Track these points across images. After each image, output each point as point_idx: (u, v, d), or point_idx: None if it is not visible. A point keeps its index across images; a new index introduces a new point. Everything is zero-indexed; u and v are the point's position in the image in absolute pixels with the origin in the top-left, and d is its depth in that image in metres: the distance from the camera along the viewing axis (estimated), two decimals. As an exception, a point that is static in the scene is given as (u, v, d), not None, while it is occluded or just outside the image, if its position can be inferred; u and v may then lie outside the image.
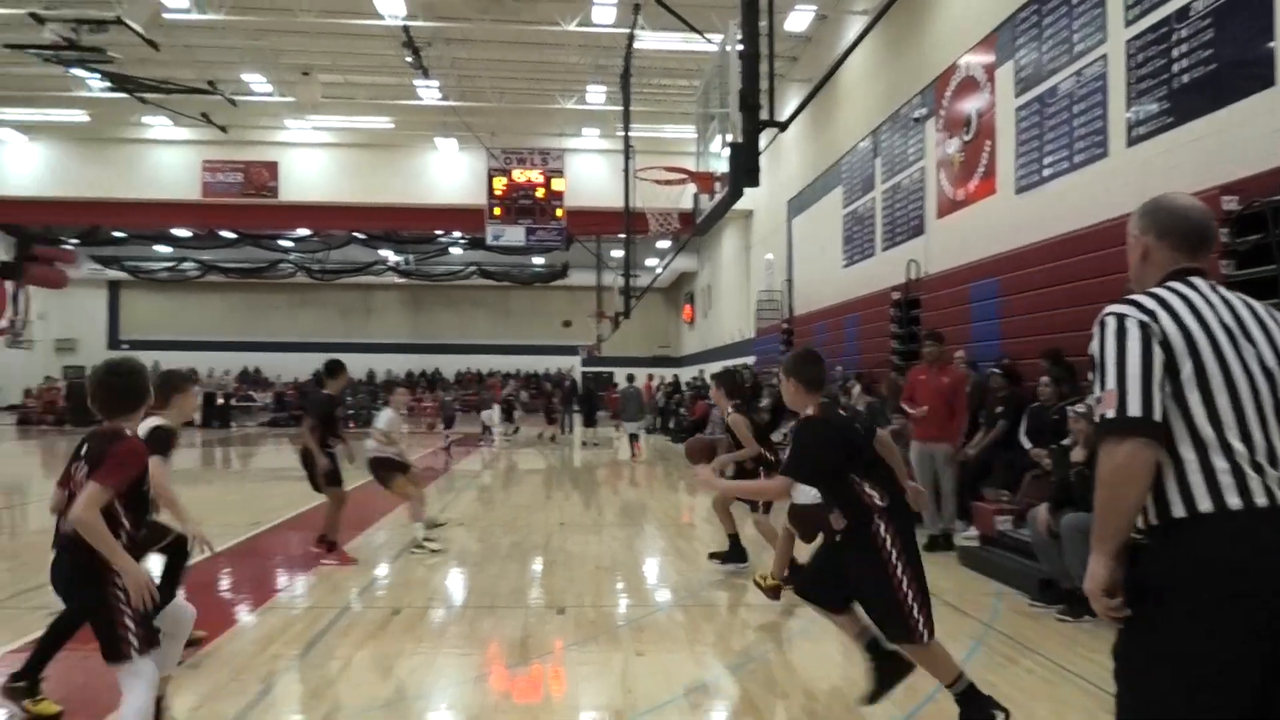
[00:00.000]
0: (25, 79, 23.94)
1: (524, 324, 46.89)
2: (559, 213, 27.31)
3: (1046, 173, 10.54)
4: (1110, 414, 2.18)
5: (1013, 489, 8.31)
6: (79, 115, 26.76)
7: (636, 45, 18.36)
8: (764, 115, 7.40)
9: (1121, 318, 2.24)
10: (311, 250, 41.29)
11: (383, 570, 7.86)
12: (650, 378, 35.63)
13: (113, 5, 18.37)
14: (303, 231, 37.42)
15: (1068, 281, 9.43)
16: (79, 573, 3.57)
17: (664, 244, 33.54)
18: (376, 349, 45.79)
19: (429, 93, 23.94)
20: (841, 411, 4.34)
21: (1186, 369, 2.17)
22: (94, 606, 3.54)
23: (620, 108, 20.20)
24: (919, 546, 4.01)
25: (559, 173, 27.31)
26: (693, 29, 12.74)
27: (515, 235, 27.38)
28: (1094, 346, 2.27)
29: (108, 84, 22.54)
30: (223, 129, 26.74)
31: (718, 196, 8.85)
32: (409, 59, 20.96)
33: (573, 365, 44.20)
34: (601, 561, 8.12)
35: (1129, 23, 8.91)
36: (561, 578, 7.58)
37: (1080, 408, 6.95)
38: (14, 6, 18.71)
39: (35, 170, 28.76)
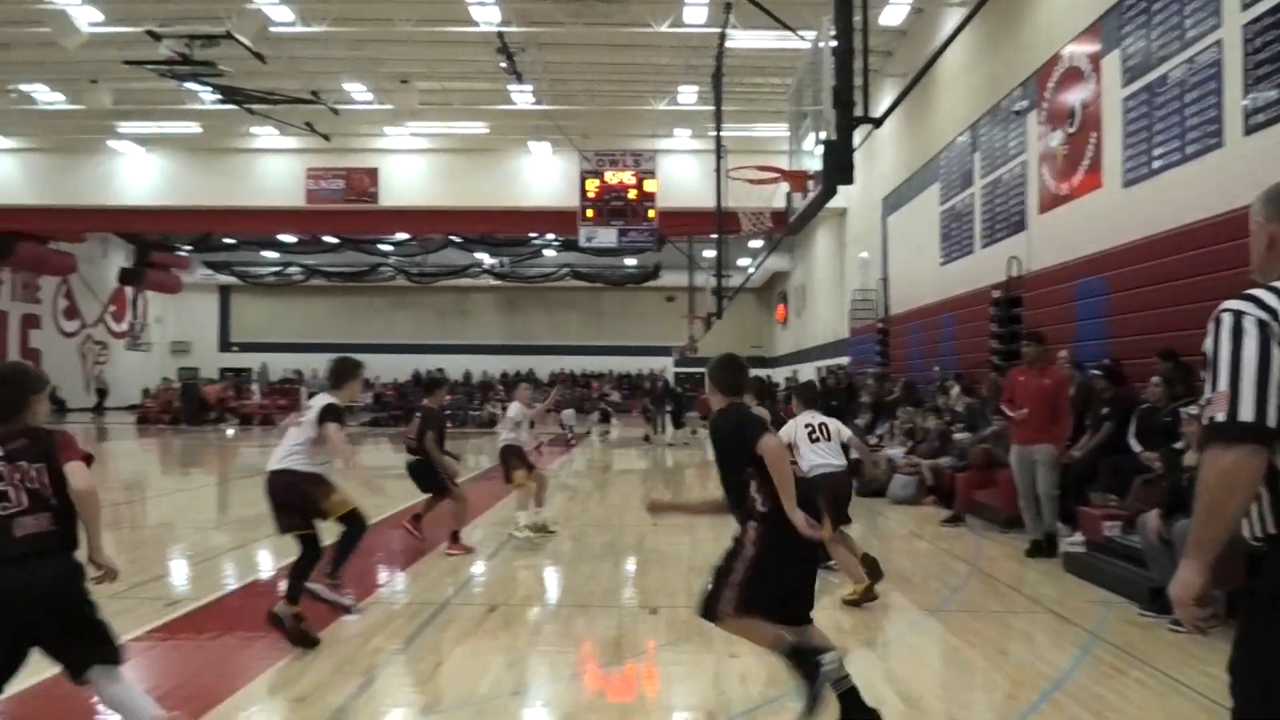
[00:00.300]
0: (143, 94, 25.10)
1: (616, 325, 47.19)
2: (651, 214, 27.38)
3: (1157, 164, 10.12)
4: (1220, 417, 2.06)
5: (1120, 493, 8.00)
6: (192, 127, 27.92)
7: (728, 44, 18.28)
8: (858, 111, 7.28)
9: (1239, 314, 2.11)
10: (410, 254, 42.30)
11: (479, 568, 8.00)
12: (743, 378, 35.38)
13: (222, 20, 19.12)
14: (401, 236, 38.36)
15: (1180, 278, 9.05)
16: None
17: (756, 243, 33.30)
18: (472, 350, 46.66)
19: (522, 97, 24.28)
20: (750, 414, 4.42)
21: None
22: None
23: (712, 107, 20.17)
24: (791, 565, 4.09)
25: (651, 174, 27.39)
26: (785, 26, 12.63)
27: (608, 237, 27.57)
28: (1208, 344, 2.15)
29: (219, 96, 23.48)
30: (325, 137, 27.60)
31: (811, 195, 8.75)
32: (503, 64, 21.29)
33: (665, 366, 44.31)
34: (694, 562, 8.10)
35: (1246, 6, 8.51)
36: (654, 578, 7.60)
37: (1193, 409, 6.66)
38: (133, 25, 19.62)
39: (152, 181, 30.13)
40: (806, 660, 4.05)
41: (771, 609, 4.10)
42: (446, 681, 4.94)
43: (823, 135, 7.51)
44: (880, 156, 22.14)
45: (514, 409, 10.03)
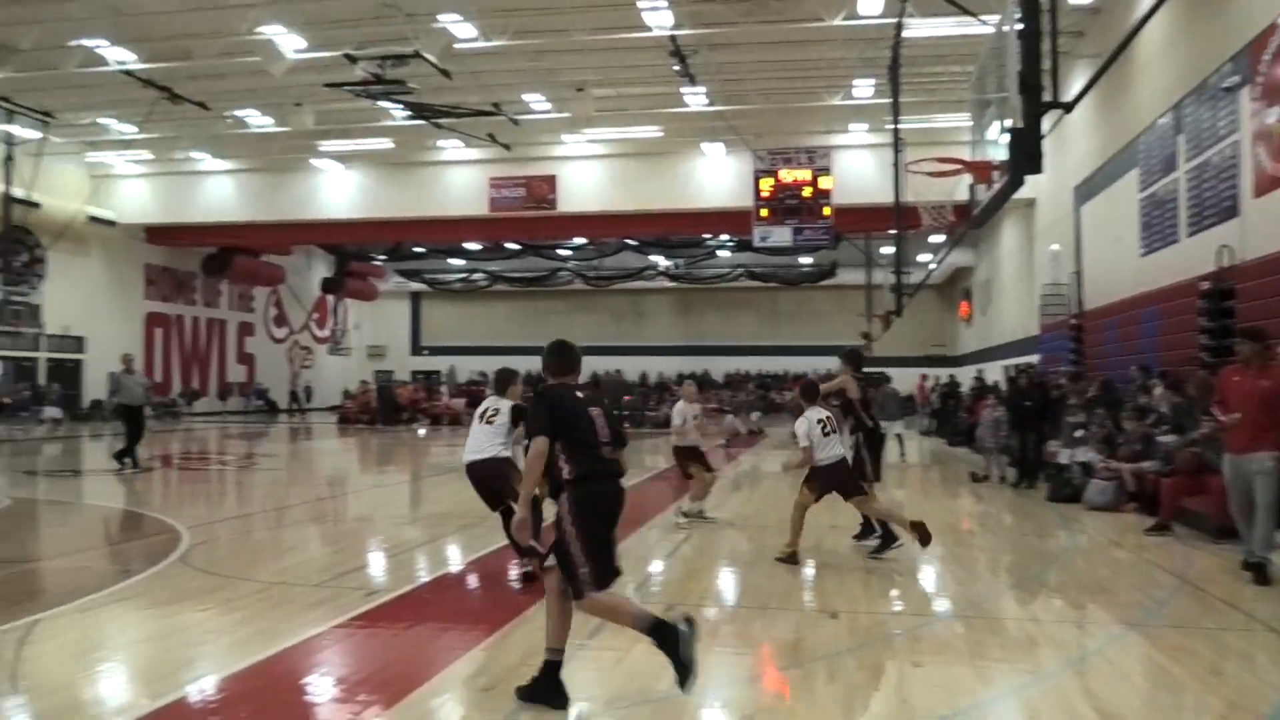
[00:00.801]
0: (341, 114, 26.78)
1: (792, 324, 46.69)
2: (826, 211, 26.93)
3: (1395, 139, 9.13)
4: None
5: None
6: (385, 143, 29.56)
7: (905, 34, 17.75)
8: (1046, 97, 6.92)
9: None
10: (587, 258, 43.30)
11: (657, 567, 8.07)
12: (924, 378, 34.36)
13: (411, 41, 20.16)
14: (579, 240, 39.30)
15: None
16: None
17: (937, 238, 32.22)
18: (648, 352, 47.23)
19: (695, 99, 24.40)
20: (579, 394, 4.83)
21: None
22: None
23: (889, 100, 19.63)
24: (612, 514, 4.62)
25: (826, 170, 26.94)
26: (966, 11, 12.16)
27: (782, 236, 27.29)
28: None
29: (408, 113, 24.79)
30: (506, 147, 28.63)
31: (996, 186, 8.38)
32: (676, 68, 21.48)
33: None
34: (874, 566, 7.91)
35: None
36: (833, 581, 7.47)
37: None
38: (331, 49, 20.96)
39: (350, 195, 32.11)
40: (665, 631, 4.38)
41: (610, 569, 4.56)
42: (626, 678, 5.01)
43: (1008, 123, 7.18)
44: (1071, 143, 20.95)
45: (678, 407, 10.33)
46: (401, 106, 24.26)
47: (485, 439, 7.32)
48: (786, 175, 27.09)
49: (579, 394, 4.85)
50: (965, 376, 33.00)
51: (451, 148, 30.32)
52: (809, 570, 8.04)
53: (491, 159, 30.21)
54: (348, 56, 20.81)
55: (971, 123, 9.65)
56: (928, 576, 7.95)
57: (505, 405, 7.46)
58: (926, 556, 8.32)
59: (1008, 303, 30.37)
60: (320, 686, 4.95)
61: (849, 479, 8.26)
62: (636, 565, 8.12)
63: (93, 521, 11.26)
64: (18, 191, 26.79)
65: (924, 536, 7.82)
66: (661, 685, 4.86)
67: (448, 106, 24.36)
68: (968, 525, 11.15)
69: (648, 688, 4.83)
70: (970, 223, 11.82)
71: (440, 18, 19.66)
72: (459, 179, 31.24)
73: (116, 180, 32.39)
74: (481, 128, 27.15)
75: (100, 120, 27.94)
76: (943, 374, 35.58)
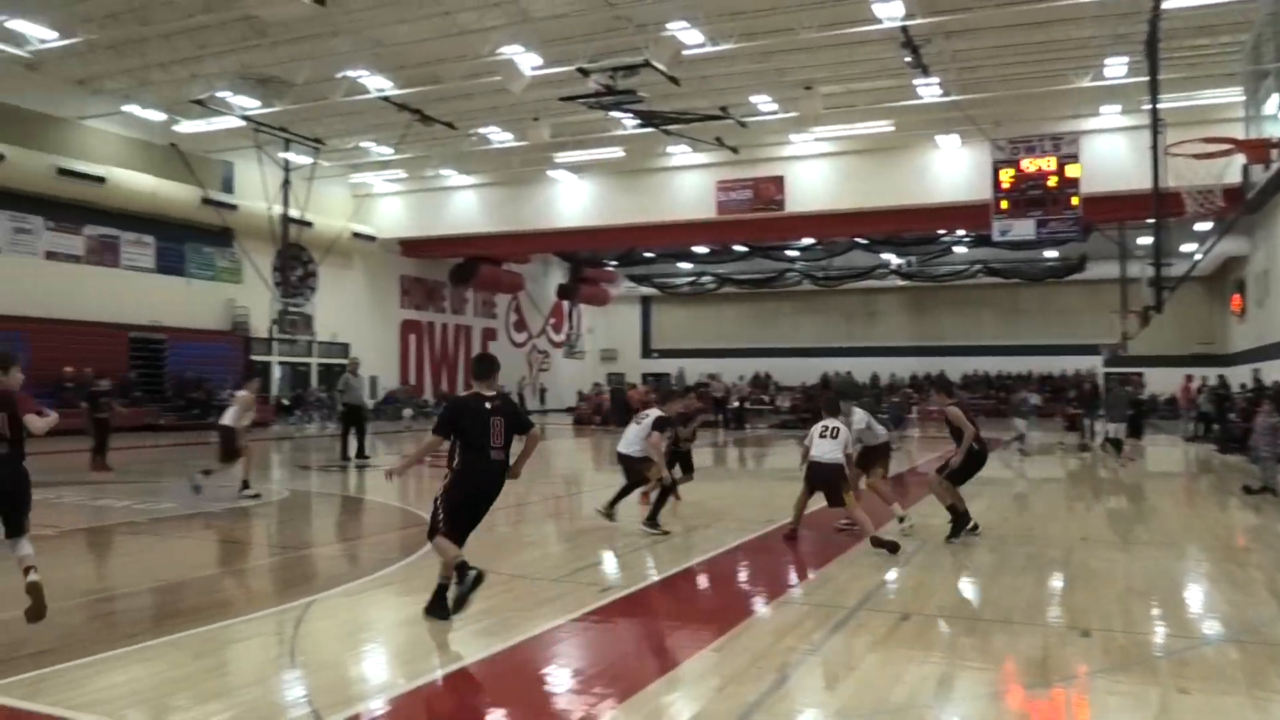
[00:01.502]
0: (575, 126, 27.82)
1: (1035, 323, 44.06)
2: (1074, 201, 25.17)
3: None
4: None
5: None
6: (616, 152, 30.43)
7: (1166, 4, 16.33)
8: (1340, 62, 6.15)
9: None
10: (815, 258, 42.72)
11: (891, 575, 7.83)
12: (1188, 379, 31.51)
13: (641, 50, 20.63)
14: (807, 240, 38.84)
15: None
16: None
17: (1204, 226, 29.43)
18: (879, 353, 45.97)
19: (929, 90, 23.52)
20: (487, 404, 6.14)
21: None
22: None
23: (1145, 78, 18.12)
24: (478, 497, 6.13)
25: (1073, 158, 25.18)
26: (1238, -25, 11.02)
27: (1024, 229, 25.75)
28: None
29: (639, 121, 25.40)
30: (734, 150, 28.74)
31: (1275, 165, 7.54)
32: (908, 59, 20.79)
33: (1093, 366, 40.57)
34: (1133, 582, 7.31)
35: None
36: (1084, 597, 6.96)
37: None
38: (566, 65, 21.82)
39: (583, 204, 33.32)
40: (465, 570, 5.87)
41: (460, 529, 6.08)
42: (859, 688, 4.88)
43: (1291, 94, 6.43)
44: (1369, 113, 18.52)
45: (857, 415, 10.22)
46: (632, 115, 24.89)
47: (633, 436, 10.29)
48: (1029, 165, 25.55)
49: (487, 404, 6.11)
50: (1238, 377, 29.98)
51: (680, 153, 30.78)
52: (1057, 583, 7.55)
53: (719, 162, 30.43)
54: (581, 70, 21.59)
55: (1245, 97, 8.73)
56: (1194, 596, 7.27)
57: (652, 414, 10.39)
58: (1193, 574, 7.60)
59: (1290, 295, 27.30)
60: (557, 678, 5.14)
61: (826, 482, 8.93)
62: (871, 571, 7.90)
63: (356, 513, 12.27)
64: (293, 212, 29.67)
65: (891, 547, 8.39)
66: (895, 698, 4.70)
67: (676, 113, 24.77)
68: (1242, 541, 10.10)
69: (881, 699, 4.69)
70: (1243, 207, 10.71)
71: (669, 26, 20.01)
72: (687, 183, 31.68)
73: (375, 199, 35.23)
74: (709, 132, 27.39)
75: (362, 144, 30.47)
76: (1211, 374, 32.45)
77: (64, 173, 24.79)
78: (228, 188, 30.23)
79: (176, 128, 26.92)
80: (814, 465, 8.88)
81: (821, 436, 8.96)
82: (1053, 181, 25.35)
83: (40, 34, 20.78)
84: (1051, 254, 39.41)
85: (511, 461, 6.26)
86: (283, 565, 8.60)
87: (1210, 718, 4.45)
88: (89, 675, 4.95)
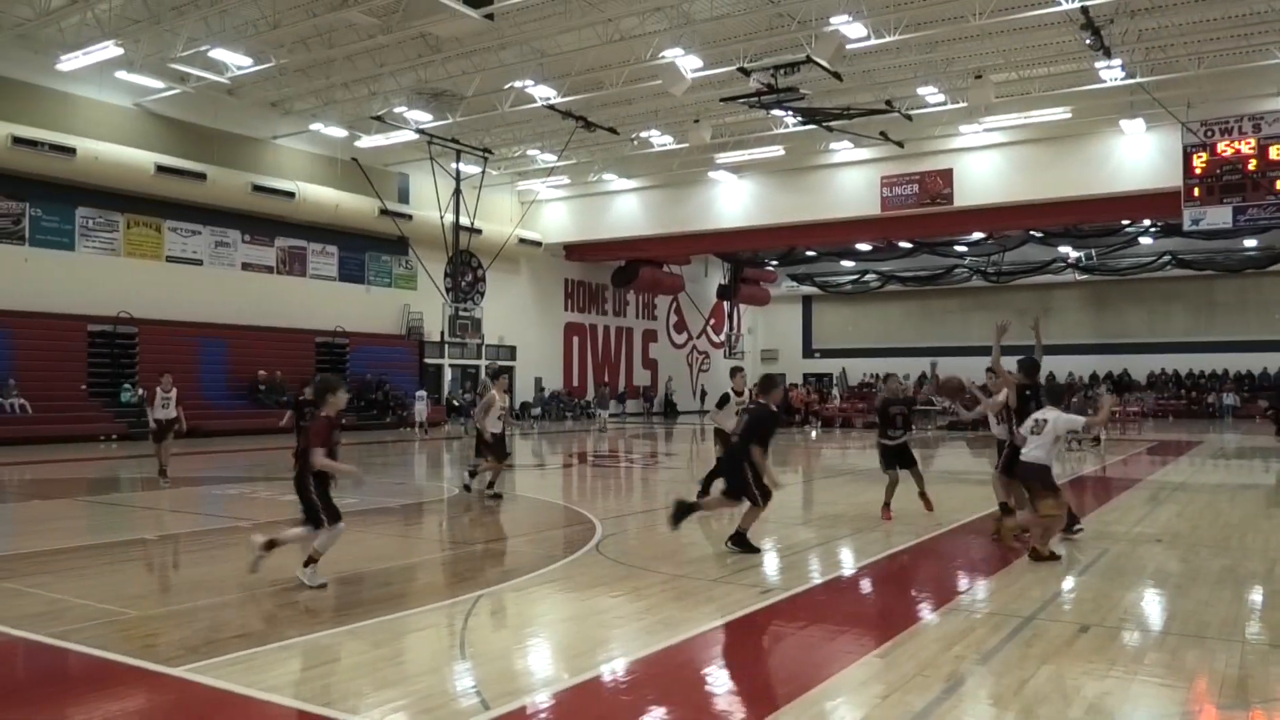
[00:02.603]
0: (735, 126, 27.80)
1: (1232, 317, 40.92)
2: (1277, 185, 23.25)
3: None
4: None
5: None
6: (776, 151, 30.19)
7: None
8: None
9: None
10: (986, 253, 41.12)
11: (1069, 584, 7.43)
12: None
13: (803, 47, 20.39)
14: (977, 235, 37.43)
15: None
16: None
17: None
18: (1056, 350, 43.63)
19: (1111, 73, 22.23)
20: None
21: None
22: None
23: (1361, 48, 16.53)
24: None
25: (1277, 138, 23.26)
26: None
27: (1220, 216, 23.98)
28: None
29: (800, 119, 25.11)
30: (899, 144, 28.01)
31: None
32: (1088, 41, 19.74)
33: (1299, 364, 37.36)
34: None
35: None
36: (1290, 614, 6.40)
37: None
38: (726, 65, 21.80)
39: (743, 204, 33.21)
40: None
41: None
42: (1032, 701, 4.65)
43: None
44: None
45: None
46: (793, 113, 24.63)
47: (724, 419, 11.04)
48: (1225, 148, 23.79)
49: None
50: None
51: (842, 150, 30.26)
52: (1257, 597, 6.97)
53: (883, 157, 29.73)
54: (741, 70, 21.53)
55: None
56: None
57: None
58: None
59: None
60: (717, 678, 5.13)
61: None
62: (1049, 579, 7.52)
63: (523, 511, 12.62)
64: (464, 220, 30.88)
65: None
66: (1073, 713, 4.45)
67: (839, 109, 24.35)
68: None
69: (1057, 714, 4.45)
70: None
71: (832, 20, 19.69)
72: (850, 180, 31.09)
73: (540, 205, 36.21)
74: (873, 127, 26.80)
75: (528, 152, 31.40)
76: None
77: (258, 189, 26.71)
78: (403, 198, 31.78)
79: (357, 143, 28.52)
80: (1020, 464, 8.29)
81: (1033, 432, 8.21)
82: (1253, 165, 23.51)
83: (237, 61, 22.40)
84: (1250, 242, 36.56)
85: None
86: (454, 560, 8.94)
87: None
88: (279, 660, 5.28)
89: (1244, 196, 23.61)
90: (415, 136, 27.51)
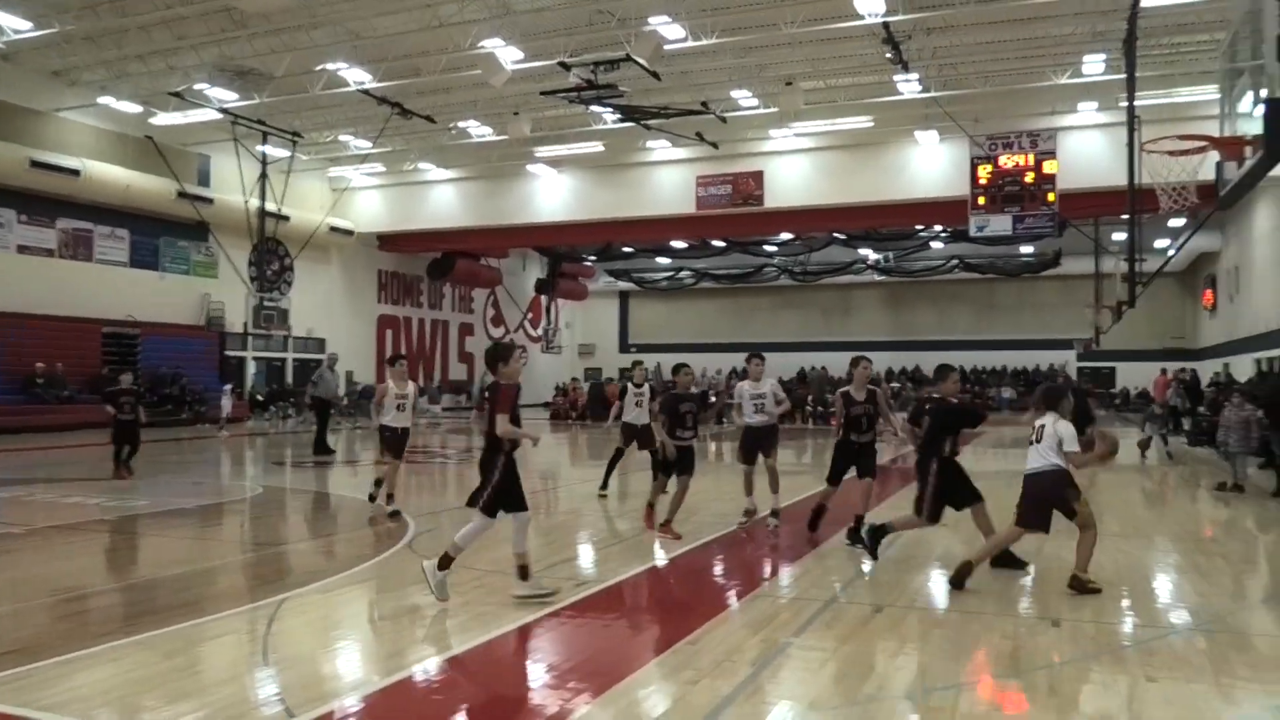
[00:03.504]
0: (555, 120, 27.77)
1: (1010, 317, 44.42)
2: (1050, 197, 25.35)
3: None
4: None
5: None
6: (595, 147, 30.37)
7: (1144, 3, 16.46)
8: (1309, 61, 6.22)
9: None
10: (794, 253, 42.79)
11: (866, 568, 7.87)
12: (1163, 372, 31.81)
13: (623, 45, 20.60)
14: (786, 236, 38.92)
15: None
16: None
17: (1177, 222, 29.73)
18: (856, 347, 45.87)
19: (909, 86, 23.60)
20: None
21: None
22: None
23: (1123, 76, 18.25)
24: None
25: (1050, 154, 25.36)
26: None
27: (1001, 224, 25.91)
28: None
29: (618, 116, 25.36)
30: (714, 145, 28.76)
31: (1249, 162, 7.62)
32: (888, 55, 20.86)
33: (1067, 360, 40.91)
34: (1102, 574, 7.37)
35: None
36: (1055, 588, 7.02)
37: None
38: (547, 59, 21.75)
39: (562, 198, 33.22)
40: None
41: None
42: (832, 679, 4.91)
43: (1264, 93, 6.50)
44: (1340, 112, 18.76)
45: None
46: (612, 110, 24.85)
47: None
48: (1007, 161, 25.72)
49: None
50: (1209, 371, 30.32)
51: (660, 148, 30.77)
52: (1027, 576, 7.61)
53: (699, 157, 30.42)
54: (562, 64, 21.53)
55: (1220, 96, 8.81)
56: (1162, 586, 7.35)
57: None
58: (1162, 566, 7.69)
59: (1260, 290, 27.64)
60: (533, 672, 5.14)
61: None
62: (846, 563, 7.94)
63: (332, 509, 12.20)
64: (270, 206, 29.45)
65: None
66: (868, 689, 4.73)
67: (657, 107, 24.75)
68: (1210, 532, 10.21)
69: (855, 690, 4.71)
70: (1217, 204, 10.81)
71: (651, 20, 19.98)
72: (667, 178, 31.65)
73: (354, 192, 34.96)
74: (689, 127, 27.39)
75: (340, 137, 30.28)
76: (1183, 367, 32.84)
77: (37, 165, 24.47)
78: (204, 181, 29.97)
79: (153, 120, 26.68)
80: (1028, 480, 7.10)
81: (1034, 440, 7.15)
82: (1029, 178, 25.52)
83: (14, 24, 20.53)
84: (1027, 249, 39.71)
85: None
86: (256, 562, 8.54)
87: (1176, 705, 4.51)
88: (59, 675, 4.90)
89: (1022, 206, 25.62)
90: (218, 116, 25.99)
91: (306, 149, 30.61)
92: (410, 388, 10.95)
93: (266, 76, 23.81)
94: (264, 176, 28.98)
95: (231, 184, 28.81)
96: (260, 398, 31.91)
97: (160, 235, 29.30)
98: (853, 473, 8.87)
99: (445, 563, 6.33)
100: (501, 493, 6.39)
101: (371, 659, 5.41)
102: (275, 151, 29.00)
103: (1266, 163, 6.93)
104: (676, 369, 9.61)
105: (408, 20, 20.74)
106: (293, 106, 26.45)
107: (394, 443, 10.79)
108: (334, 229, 34.10)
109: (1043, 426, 7.07)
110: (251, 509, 11.77)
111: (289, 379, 34.52)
